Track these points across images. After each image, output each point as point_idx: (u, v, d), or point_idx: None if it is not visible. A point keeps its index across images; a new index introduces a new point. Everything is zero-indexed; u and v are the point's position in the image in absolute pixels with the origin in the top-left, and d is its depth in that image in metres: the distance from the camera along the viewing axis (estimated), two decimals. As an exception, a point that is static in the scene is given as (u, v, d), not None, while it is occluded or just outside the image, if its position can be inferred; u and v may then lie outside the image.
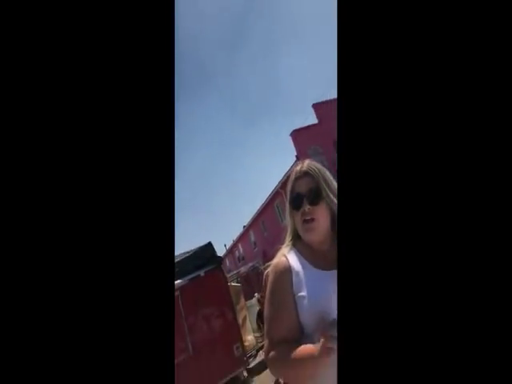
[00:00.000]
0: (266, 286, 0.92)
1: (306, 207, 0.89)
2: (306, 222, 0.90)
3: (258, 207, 17.26)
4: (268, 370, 0.82)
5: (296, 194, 0.92)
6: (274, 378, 4.13)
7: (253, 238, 19.54)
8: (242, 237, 21.53)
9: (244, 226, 21.15)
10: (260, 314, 4.86)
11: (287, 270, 0.89)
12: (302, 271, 0.87)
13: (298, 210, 0.91)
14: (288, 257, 0.92)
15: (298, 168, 0.95)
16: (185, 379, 4.76)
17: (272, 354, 0.82)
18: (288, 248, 0.96)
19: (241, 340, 5.62)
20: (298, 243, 0.96)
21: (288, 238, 0.99)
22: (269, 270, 0.93)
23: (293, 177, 0.94)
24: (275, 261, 0.94)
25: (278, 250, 0.98)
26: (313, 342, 0.76)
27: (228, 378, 5.31)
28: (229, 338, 5.49)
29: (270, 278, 0.91)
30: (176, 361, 4.78)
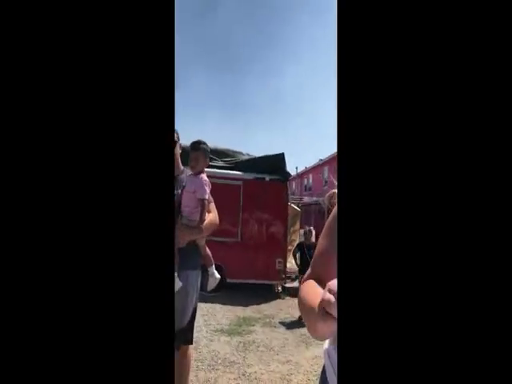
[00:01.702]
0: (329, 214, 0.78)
1: None
2: None
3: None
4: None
5: None
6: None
7: (325, 176, 19.11)
8: (316, 169, 21.22)
9: (320, 159, 20.59)
10: (300, 247, 4.90)
11: None
12: None
13: None
14: None
15: None
16: (230, 260, 5.41)
17: (302, 286, 0.72)
18: None
19: (284, 257, 5.79)
20: None
21: None
22: (334, 192, 0.80)
23: None
24: None
25: None
26: None
27: (263, 282, 5.68)
28: (274, 249, 5.74)
29: (335, 209, 0.75)
30: (225, 239, 5.45)
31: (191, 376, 2.84)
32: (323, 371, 0.79)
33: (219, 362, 3.09)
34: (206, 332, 3.79)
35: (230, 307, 4.77)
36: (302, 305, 0.66)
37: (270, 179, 5.73)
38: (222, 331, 3.82)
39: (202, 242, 1.78)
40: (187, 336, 1.72)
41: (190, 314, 1.70)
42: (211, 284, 1.93)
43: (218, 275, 1.94)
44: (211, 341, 3.55)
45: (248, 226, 5.76)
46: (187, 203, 1.68)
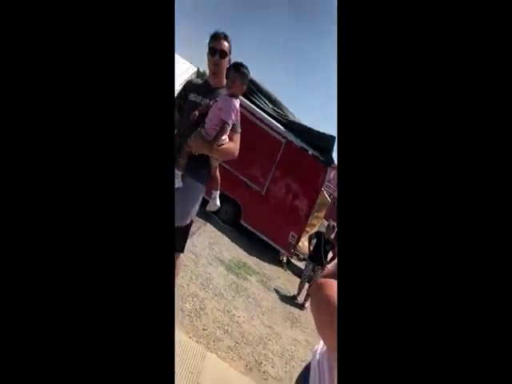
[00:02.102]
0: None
1: None
2: None
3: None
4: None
5: None
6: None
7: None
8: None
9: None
10: (318, 236, 4.70)
11: None
12: None
13: None
14: None
15: None
16: (249, 205, 5.55)
17: (323, 291, 0.57)
18: None
19: (299, 234, 5.66)
20: None
21: None
22: None
23: None
24: None
25: None
26: None
27: (271, 244, 5.67)
28: (292, 221, 5.62)
29: None
30: (251, 184, 5.55)
31: (183, 283, 2.86)
32: (306, 372, 0.71)
33: (211, 286, 3.08)
34: (208, 254, 3.78)
35: (236, 247, 4.77)
36: (329, 313, 0.52)
37: (313, 154, 5.41)
38: (221, 262, 3.81)
39: (215, 163, 1.74)
40: (179, 242, 1.73)
41: (185, 221, 1.69)
42: (210, 206, 1.88)
43: (218, 203, 1.87)
44: (210, 264, 3.55)
45: (276, 184, 5.62)
46: (211, 117, 1.64)
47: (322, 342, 0.71)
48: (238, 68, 1.64)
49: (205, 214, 5.26)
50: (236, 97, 1.66)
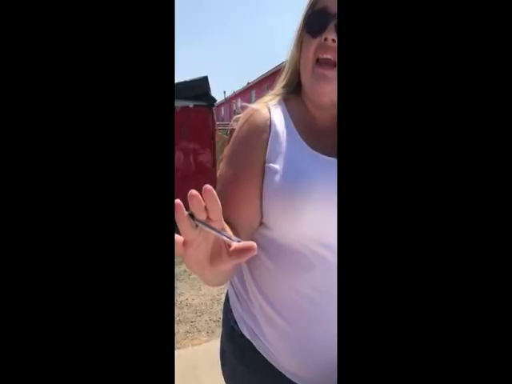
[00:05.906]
0: (230, 137, 0.64)
1: (331, 36, 0.55)
2: (323, 62, 0.56)
3: (270, 69, 16.17)
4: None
5: (319, 10, 0.57)
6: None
7: (253, 99, 18.78)
8: (244, 92, 20.67)
9: (248, 83, 19.99)
10: None
11: (264, 125, 0.59)
12: (284, 135, 0.59)
13: (314, 37, 0.57)
14: (271, 109, 0.61)
15: None
16: None
17: None
18: (276, 99, 0.65)
19: (214, 185, 5.69)
20: (293, 99, 0.64)
21: (280, 85, 0.67)
22: (239, 116, 0.64)
23: None
24: (252, 107, 0.63)
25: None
26: (270, 237, 0.59)
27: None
28: (203, 178, 5.64)
29: (238, 128, 0.62)
30: None
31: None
32: (227, 299, 0.75)
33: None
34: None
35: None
36: None
37: (195, 105, 5.48)
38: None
39: None
40: None
41: None
42: None
43: None
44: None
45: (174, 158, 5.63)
46: None
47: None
48: None
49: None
50: None
